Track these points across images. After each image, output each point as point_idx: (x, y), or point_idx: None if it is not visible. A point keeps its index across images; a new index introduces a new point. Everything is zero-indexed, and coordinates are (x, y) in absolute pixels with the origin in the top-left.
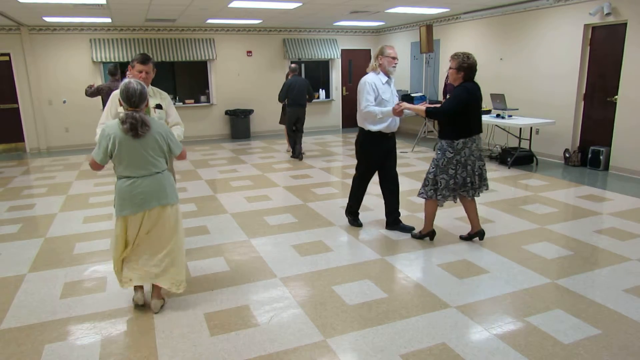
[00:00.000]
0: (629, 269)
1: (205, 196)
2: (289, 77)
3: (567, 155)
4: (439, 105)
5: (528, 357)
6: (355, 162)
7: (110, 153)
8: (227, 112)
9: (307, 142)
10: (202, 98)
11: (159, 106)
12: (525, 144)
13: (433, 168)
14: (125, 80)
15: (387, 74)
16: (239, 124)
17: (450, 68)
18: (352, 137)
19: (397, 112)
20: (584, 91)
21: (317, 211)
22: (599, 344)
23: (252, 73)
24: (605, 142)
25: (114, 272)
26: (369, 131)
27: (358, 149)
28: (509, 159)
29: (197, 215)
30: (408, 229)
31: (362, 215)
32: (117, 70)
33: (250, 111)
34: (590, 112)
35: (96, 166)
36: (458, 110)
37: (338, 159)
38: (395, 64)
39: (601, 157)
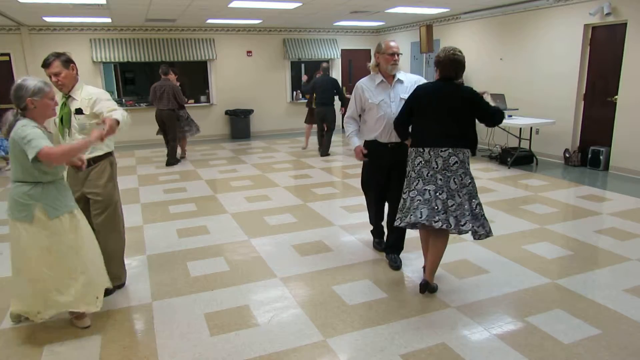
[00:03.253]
0: (629, 269)
1: (205, 196)
2: (317, 76)
3: (567, 155)
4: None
5: (528, 357)
6: (355, 163)
7: None
8: (227, 112)
9: (308, 142)
10: (202, 98)
11: (79, 111)
12: (525, 144)
13: (473, 192)
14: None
15: (387, 74)
16: (239, 124)
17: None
18: None
19: (358, 155)
20: (584, 91)
21: (317, 211)
22: (599, 344)
23: (252, 73)
24: (605, 142)
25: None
26: (365, 140)
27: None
28: (509, 159)
29: (197, 215)
30: (395, 266)
31: (362, 215)
32: (169, 69)
33: (250, 111)
34: (590, 112)
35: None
36: None
37: (338, 159)
38: (394, 61)
39: (601, 157)
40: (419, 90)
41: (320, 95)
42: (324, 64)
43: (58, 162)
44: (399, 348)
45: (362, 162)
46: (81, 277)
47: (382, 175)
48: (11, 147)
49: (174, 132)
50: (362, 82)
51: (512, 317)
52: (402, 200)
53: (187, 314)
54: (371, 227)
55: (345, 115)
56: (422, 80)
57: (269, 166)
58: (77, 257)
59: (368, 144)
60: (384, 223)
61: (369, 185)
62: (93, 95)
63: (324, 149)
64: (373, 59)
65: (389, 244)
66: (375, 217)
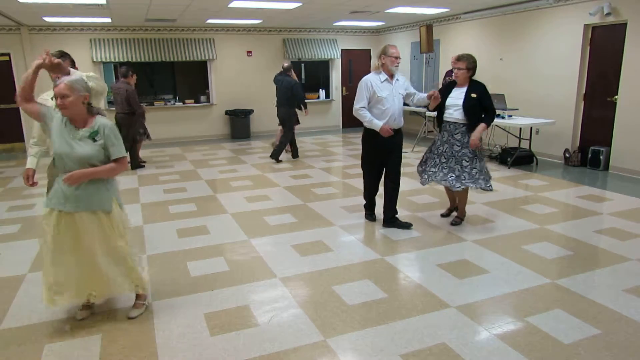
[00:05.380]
0: (629, 269)
1: (205, 196)
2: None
3: (567, 155)
4: (483, 115)
5: (528, 357)
6: (355, 163)
7: None
8: (227, 112)
9: (307, 142)
10: (202, 98)
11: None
12: (525, 144)
13: (468, 162)
14: (81, 74)
15: (390, 73)
16: (239, 124)
17: (459, 69)
18: (352, 137)
19: (386, 132)
20: (584, 91)
21: (317, 211)
22: (599, 344)
23: (252, 73)
24: (605, 142)
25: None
26: (368, 128)
27: (362, 144)
28: (509, 159)
29: (197, 215)
30: (406, 226)
31: (362, 215)
32: (129, 72)
33: (250, 111)
34: (590, 112)
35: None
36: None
37: (338, 159)
38: (398, 63)
39: (601, 157)
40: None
41: (278, 95)
42: (285, 64)
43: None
44: (399, 348)
45: (362, 148)
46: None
47: (383, 156)
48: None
49: (130, 134)
50: (370, 78)
51: (512, 317)
52: (484, 164)
53: (187, 314)
54: (364, 203)
55: (358, 107)
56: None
57: (269, 166)
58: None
59: (373, 130)
60: (378, 201)
61: (370, 163)
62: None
63: (275, 153)
64: (377, 60)
65: (391, 215)
66: (372, 191)
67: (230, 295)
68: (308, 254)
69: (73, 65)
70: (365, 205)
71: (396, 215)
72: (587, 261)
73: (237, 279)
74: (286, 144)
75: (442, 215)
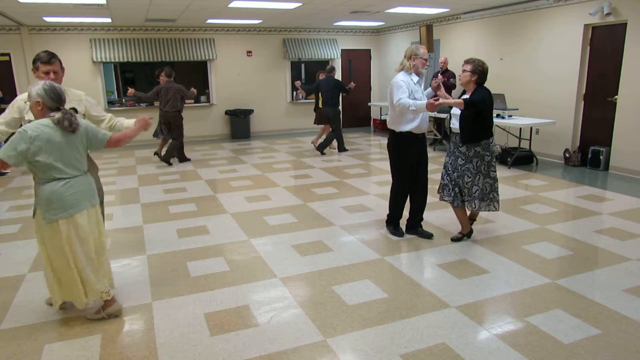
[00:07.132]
0: (629, 269)
1: (205, 196)
2: (321, 77)
3: (567, 155)
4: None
5: (528, 357)
6: (355, 163)
7: (33, 155)
8: (227, 112)
9: (307, 142)
10: (202, 98)
11: (74, 110)
12: (525, 144)
13: (470, 178)
14: (41, 82)
15: (419, 74)
16: (239, 124)
17: (464, 71)
18: (352, 137)
19: (432, 106)
20: (584, 91)
21: (317, 211)
22: (599, 344)
23: (252, 73)
24: (605, 142)
25: (54, 289)
26: (400, 132)
27: (391, 153)
28: (509, 159)
29: (197, 215)
30: (426, 235)
31: (362, 215)
32: (172, 71)
33: (250, 111)
34: (590, 112)
35: (3, 166)
36: (485, 105)
37: (338, 159)
38: (428, 65)
39: (601, 157)
40: (489, 93)
41: (324, 96)
42: (328, 66)
43: (123, 144)
44: (399, 348)
45: (395, 159)
46: None
47: (414, 164)
48: (84, 138)
49: (179, 132)
50: (404, 78)
51: (512, 317)
52: (488, 185)
53: (187, 314)
54: (388, 216)
55: (402, 98)
56: None
57: (269, 166)
58: None
59: (402, 135)
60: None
61: (405, 175)
62: (81, 95)
63: (320, 147)
64: (407, 60)
65: (417, 221)
66: (403, 205)
67: (230, 295)
68: (308, 254)
69: (62, 65)
70: (393, 223)
71: (421, 222)
72: (587, 261)
73: (237, 279)
74: (332, 140)
75: (453, 240)
